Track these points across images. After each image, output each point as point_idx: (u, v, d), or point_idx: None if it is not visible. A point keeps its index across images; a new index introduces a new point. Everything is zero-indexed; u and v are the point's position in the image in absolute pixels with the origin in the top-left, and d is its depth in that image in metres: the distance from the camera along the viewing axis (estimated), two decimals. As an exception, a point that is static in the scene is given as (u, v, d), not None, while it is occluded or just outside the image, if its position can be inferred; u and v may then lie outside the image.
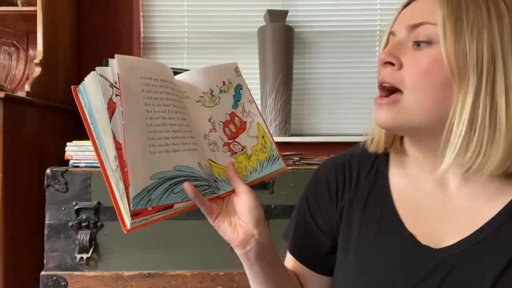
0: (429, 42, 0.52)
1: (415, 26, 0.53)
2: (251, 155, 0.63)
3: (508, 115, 0.49)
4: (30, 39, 1.85)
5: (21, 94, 1.47)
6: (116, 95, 0.50)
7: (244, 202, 0.57)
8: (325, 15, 2.04)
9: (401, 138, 0.64)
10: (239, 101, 0.65)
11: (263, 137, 0.66)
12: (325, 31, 2.04)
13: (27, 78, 1.66)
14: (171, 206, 0.53)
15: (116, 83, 0.50)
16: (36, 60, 1.56)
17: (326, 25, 2.04)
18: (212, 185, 0.57)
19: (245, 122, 0.65)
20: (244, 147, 0.63)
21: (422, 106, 0.52)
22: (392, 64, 0.54)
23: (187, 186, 0.53)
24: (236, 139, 0.63)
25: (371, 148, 0.65)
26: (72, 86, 0.56)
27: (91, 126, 0.54)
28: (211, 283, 1.18)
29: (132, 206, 0.48)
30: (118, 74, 0.49)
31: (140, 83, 0.51)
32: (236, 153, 0.62)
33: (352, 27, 2.04)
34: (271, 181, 1.20)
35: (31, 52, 1.83)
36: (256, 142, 0.65)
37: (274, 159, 0.66)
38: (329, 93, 2.04)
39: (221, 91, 0.63)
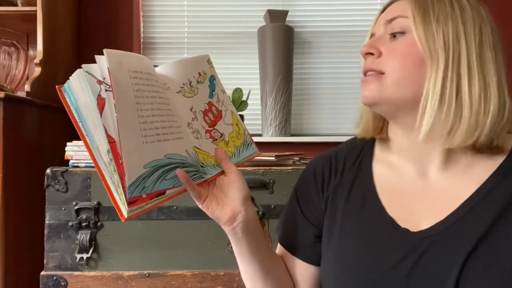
0: (403, 32, 0.60)
1: (391, 20, 0.62)
2: (228, 141, 0.68)
3: (470, 89, 0.56)
4: (30, 39, 1.85)
5: (21, 94, 1.47)
6: (106, 90, 0.52)
7: (233, 180, 0.62)
8: (325, 15, 2.05)
9: (387, 128, 0.69)
10: (213, 91, 0.69)
11: (237, 124, 0.71)
12: (325, 31, 2.04)
13: (27, 78, 1.66)
14: (163, 193, 0.56)
15: (104, 79, 0.52)
16: (36, 60, 1.56)
17: (326, 25, 2.05)
18: (200, 170, 0.61)
19: (221, 110, 0.69)
20: (222, 134, 0.68)
21: (401, 83, 0.59)
22: (372, 54, 0.62)
23: (179, 172, 0.56)
24: (215, 127, 0.67)
25: (360, 134, 0.70)
26: (56, 86, 0.57)
27: (80, 124, 0.56)
28: (211, 283, 1.18)
29: (128, 194, 0.51)
30: (108, 68, 0.50)
31: (129, 76, 0.53)
32: (216, 139, 0.66)
33: (352, 27, 2.04)
34: (271, 181, 1.20)
35: (31, 52, 1.83)
36: (231, 129, 0.70)
37: (248, 145, 0.71)
38: (329, 93, 2.05)
39: (198, 82, 0.66)
